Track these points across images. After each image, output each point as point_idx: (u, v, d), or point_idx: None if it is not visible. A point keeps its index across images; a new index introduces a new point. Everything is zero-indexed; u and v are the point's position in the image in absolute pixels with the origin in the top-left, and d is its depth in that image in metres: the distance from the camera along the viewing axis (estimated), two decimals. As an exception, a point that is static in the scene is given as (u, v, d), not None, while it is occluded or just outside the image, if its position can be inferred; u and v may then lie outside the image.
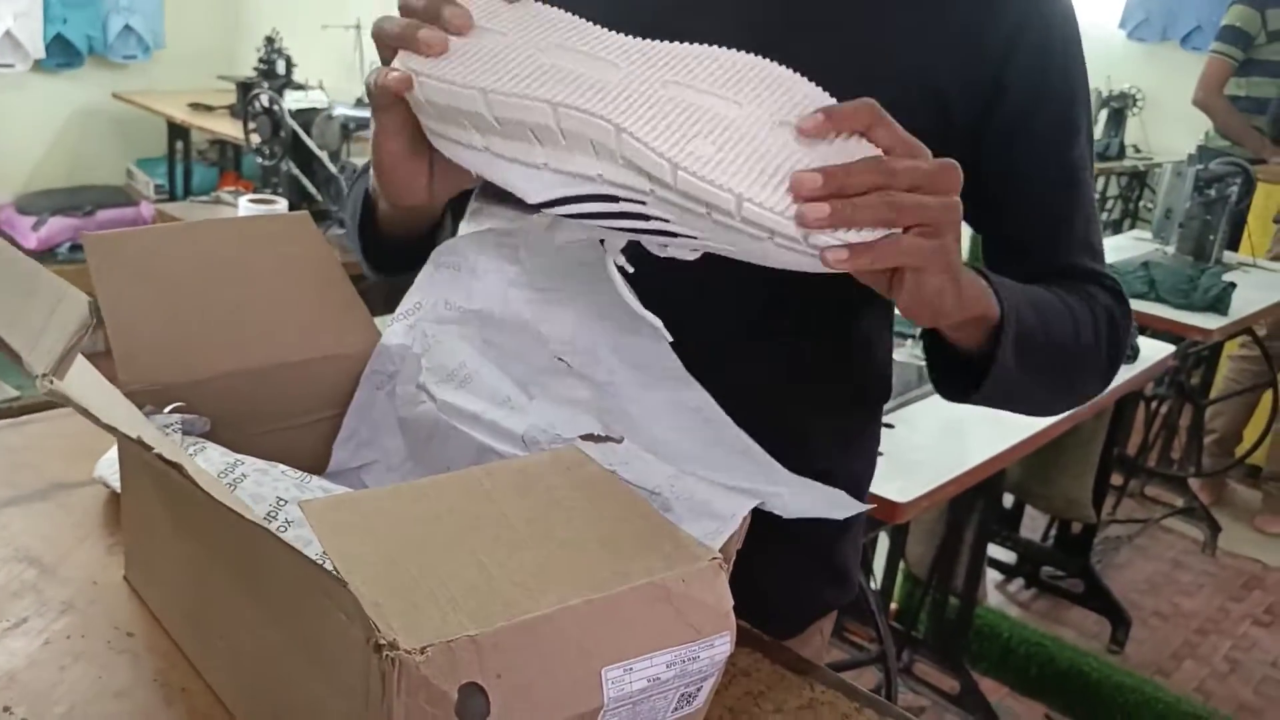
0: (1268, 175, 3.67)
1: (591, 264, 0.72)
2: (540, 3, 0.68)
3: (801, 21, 0.79)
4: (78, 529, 0.81)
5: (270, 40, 3.51)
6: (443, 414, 0.76)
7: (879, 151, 0.59)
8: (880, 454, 0.99)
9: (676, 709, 0.54)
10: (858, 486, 0.97)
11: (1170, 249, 3.20)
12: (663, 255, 0.64)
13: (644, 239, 0.64)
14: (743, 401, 0.88)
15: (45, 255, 3.87)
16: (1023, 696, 2.57)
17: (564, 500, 0.57)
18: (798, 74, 0.61)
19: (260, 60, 3.50)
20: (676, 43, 0.63)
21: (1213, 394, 3.61)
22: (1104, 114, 4.86)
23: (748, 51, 0.62)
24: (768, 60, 0.62)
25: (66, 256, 3.93)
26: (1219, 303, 2.74)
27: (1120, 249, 3.29)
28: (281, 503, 0.66)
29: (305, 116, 2.69)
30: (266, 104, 2.71)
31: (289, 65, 3.51)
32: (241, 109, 3.06)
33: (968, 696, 2.35)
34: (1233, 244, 3.40)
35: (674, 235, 0.61)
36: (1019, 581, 3.02)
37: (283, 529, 0.63)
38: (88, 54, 4.39)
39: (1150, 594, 3.08)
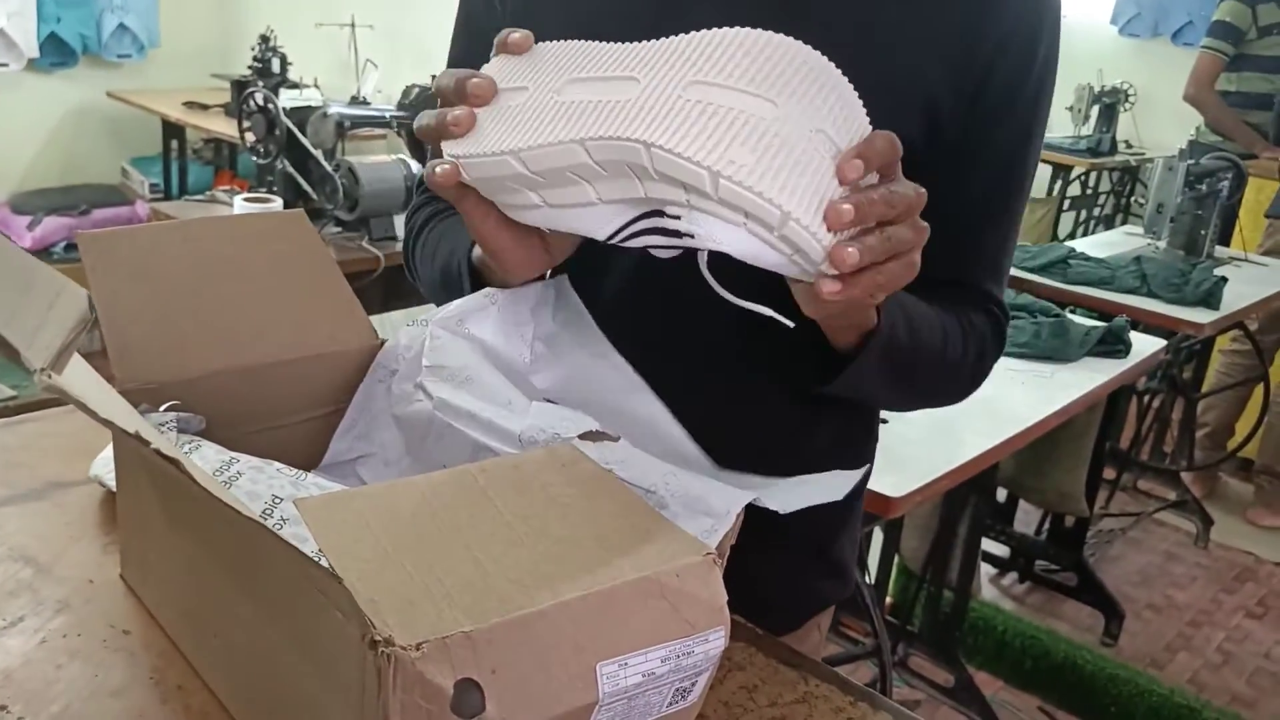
0: (1259, 170, 3.67)
1: (577, 347, 0.75)
2: (551, 43, 0.67)
3: (798, 11, 0.77)
4: (73, 528, 0.81)
5: (265, 39, 3.50)
6: (439, 412, 0.76)
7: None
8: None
9: (671, 704, 0.54)
10: (859, 484, 0.97)
11: (1162, 244, 3.20)
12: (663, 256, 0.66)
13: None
14: (740, 399, 0.88)
15: (40, 254, 3.87)
16: (1017, 689, 2.58)
17: (559, 497, 0.58)
18: (819, 53, 0.60)
19: (255, 59, 3.50)
20: (692, 33, 0.61)
21: (1205, 388, 3.62)
22: (1095, 109, 4.86)
23: None
24: (788, 38, 0.60)
25: (61, 256, 3.93)
26: (1210, 297, 2.75)
27: (1112, 244, 3.30)
28: (277, 500, 0.66)
29: (300, 115, 2.68)
30: (261, 102, 2.70)
31: (284, 63, 3.50)
32: (236, 107, 3.05)
33: (962, 690, 2.36)
34: (1224, 239, 3.41)
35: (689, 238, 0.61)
36: (1013, 575, 3.02)
37: (278, 526, 0.64)
38: (82, 53, 4.39)
39: (1143, 587, 3.09)
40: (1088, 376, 2.21)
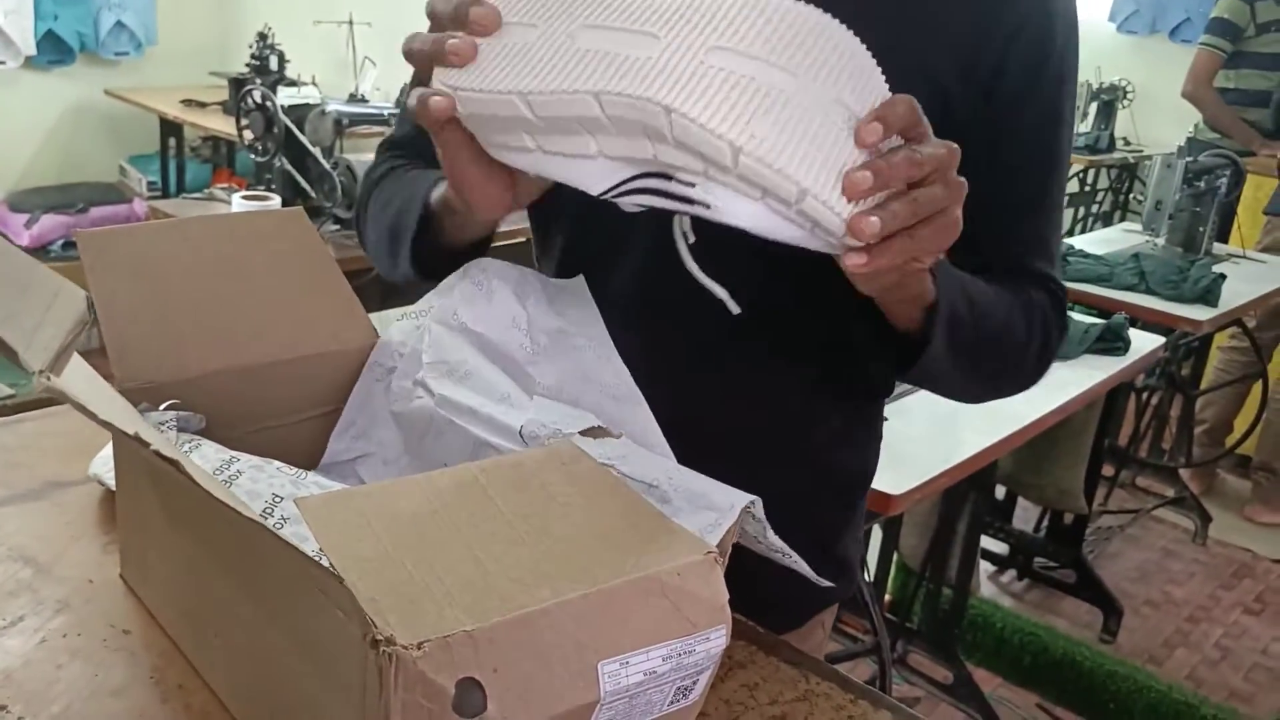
0: (1257, 167, 3.68)
1: (581, 347, 0.75)
2: None
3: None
4: (73, 527, 0.81)
5: (263, 36, 3.49)
6: (439, 409, 0.76)
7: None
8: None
9: (673, 702, 0.54)
10: (864, 479, 0.98)
11: (1160, 241, 3.21)
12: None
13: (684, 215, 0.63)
14: (745, 395, 0.88)
15: (38, 253, 3.86)
16: (1016, 686, 2.58)
17: (560, 495, 0.58)
18: (837, 20, 0.59)
19: (253, 56, 3.49)
20: None
21: (1203, 385, 3.62)
22: (1094, 107, 4.87)
23: None
24: (806, 5, 0.59)
25: (59, 254, 3.92)
26: (1209, 294, 2.75)
27: (1110, 241, 3.30)
28: (277, 499, 0.66)
29: (298, 112, 2.68)
30: (259, 100, 2.70)
31: (282, 61, 3.49)
32: (234, 105, 3.04)
33: (961, 687, 2.36)
34: (1222, 236, 3.41)
35: (703, 207, 0.60)
36: (1011, 572, 3.03)
37: (279, 526, 0.64)
38: (79, 51, 4.38)
39: (1141, 583, 3.09)
40: (1086, 374, 2.22)
